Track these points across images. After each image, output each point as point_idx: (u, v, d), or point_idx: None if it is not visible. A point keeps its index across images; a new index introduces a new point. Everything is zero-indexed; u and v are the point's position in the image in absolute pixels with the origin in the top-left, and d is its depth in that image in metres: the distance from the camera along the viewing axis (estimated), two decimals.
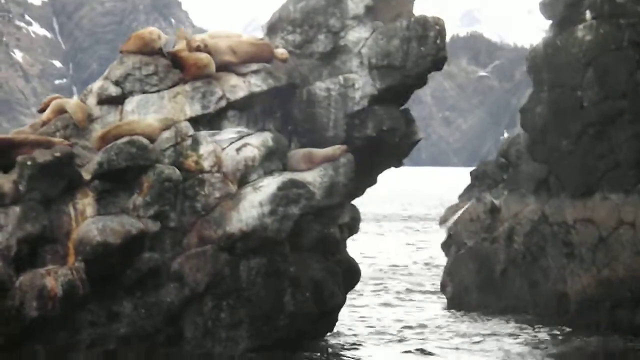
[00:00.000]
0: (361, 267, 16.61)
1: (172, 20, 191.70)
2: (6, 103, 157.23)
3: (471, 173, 20.75)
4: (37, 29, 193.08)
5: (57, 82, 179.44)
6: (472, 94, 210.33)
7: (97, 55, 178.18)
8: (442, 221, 20.90)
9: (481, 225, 19.52)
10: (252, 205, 14.13)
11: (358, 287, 17.68)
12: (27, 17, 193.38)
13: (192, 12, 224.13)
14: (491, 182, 19.92)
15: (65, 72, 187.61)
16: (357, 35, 15.60)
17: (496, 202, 19.22)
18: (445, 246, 20.66)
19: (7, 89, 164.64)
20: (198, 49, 14.52)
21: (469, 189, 20.70)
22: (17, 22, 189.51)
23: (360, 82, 15.42)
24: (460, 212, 20.10)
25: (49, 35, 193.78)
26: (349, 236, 15.81)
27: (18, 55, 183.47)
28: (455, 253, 19.95)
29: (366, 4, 15.62)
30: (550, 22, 18.86)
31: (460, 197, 20.99)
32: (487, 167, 20.44)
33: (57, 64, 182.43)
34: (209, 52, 14.59)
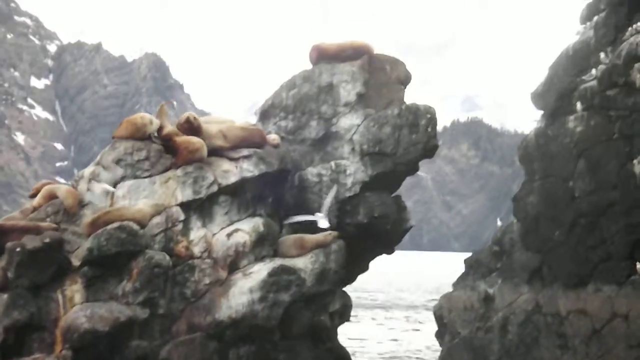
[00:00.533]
0: (352, 355, 16.37)
1: (174, 103, 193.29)
2: (7, 186, 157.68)
3: (465, 261, 20.67)
4: (39, 111, 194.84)
5: (58, 164, 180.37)
6: (473, 178, 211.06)
7: (98, 138, 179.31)
8: (437, 309, 20.70)
9: (475, 314, 19.38)
10: (242, 292, 13.98)
11: None
12: (29, 100, 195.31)
13: (194, 95, 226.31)
14: (485, 270, 19.83)
15: (67, 154, 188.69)
16: (349, 122, 15.68)
17: (490, 290, 19.10)
18: (439, 335, 20.45)
19: (9, 172, 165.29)
20: (188, 122, 14.53)
21: (463, 277, 20.58)
22: (20, 105, 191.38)
23: (352, 169, 15.45)
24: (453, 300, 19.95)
25: (51, 118, 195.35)
26: (340, 324, 15.58)
27: (20, 137, 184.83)
28: (449, 342, 19.75)
29: (358, 91, 15.74)
30: (542, 112, 19.02)
31: (455, 285, 20.84)
32: (481, 256, 20.37)
33: (59, 146, 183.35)
34: (198, 129, 14.58)
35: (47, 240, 13.38)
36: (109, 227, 13.63)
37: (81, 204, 14.24)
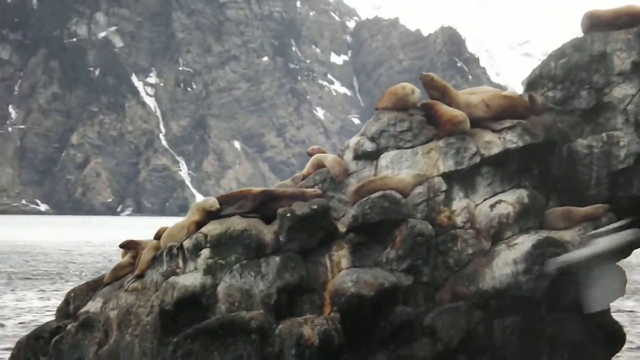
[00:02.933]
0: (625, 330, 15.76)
1: (469, 77, 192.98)
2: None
3: None
4: (338, 87, 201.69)
5: None
6: None
7: None
8: None
9: None
10: (506, 263, 13.89)
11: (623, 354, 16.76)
12: (329, 76, 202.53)
13: (489, 69, 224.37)
14: None
15: None
16: (623, 92, 15.00)
17: None
18: None
19: (309, 145, 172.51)
20: (424, 80, 14.73)
21: None
22: (320, 81, 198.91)
23: (626, 140, 14.80)
24: None
25: (348, 93, 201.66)
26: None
27: (320, 112, 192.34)
28: None
29: (633, 60, 15.00)
30: None
31: None
32: None
33: (356, 120, 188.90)
34: (445, 93, 14.67)
35: (315, 207, 13.98)
36: (373, 195, 14.01)
37: (347, 173, 14.77)
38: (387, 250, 14.04)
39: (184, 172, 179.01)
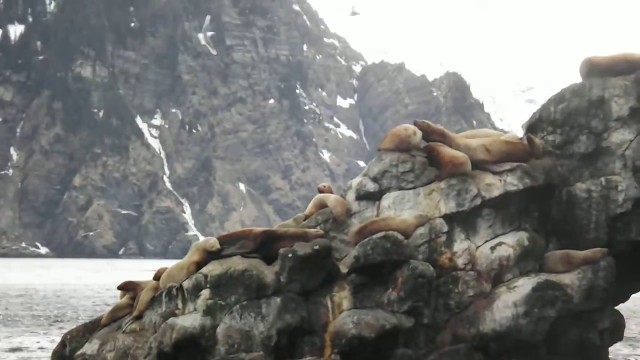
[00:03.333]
0: None
1: (474, 122, 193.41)
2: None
3: None
4: (344, 130, 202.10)
5: None
6: None
7: None
8: None
9: None
10: (507, 306, 13.96)
11: None
12: (335, 119, 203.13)
13: (493, 114, 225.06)
14: None
15: None
16: (621, 137, 15.19)
17: None
18: None
19: (315, 188, 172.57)
20: (421, 127, 14.88)
21: None
22: (326, 124, 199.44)
23: (624, 185, 14.95)
24: None
25: (354, 136, 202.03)
26: (611, 343, 15.12)
27: (326, 155, 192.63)
28: None
29: (631, 105, 15.20)
30: None
31: None
32: None
33: (361, 163, 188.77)
34: (443, 138, 14.81)
35: (316, 247, 14.09)
36: (375, 236, 14.11)
37: (349, 213, 14.87)
38: (389, 291, 14.10)
39: (187, 214, 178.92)
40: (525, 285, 14.12)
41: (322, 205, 15.11)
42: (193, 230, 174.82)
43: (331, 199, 14.97)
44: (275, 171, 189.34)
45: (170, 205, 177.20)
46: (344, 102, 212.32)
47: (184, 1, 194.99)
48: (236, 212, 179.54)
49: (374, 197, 14.95)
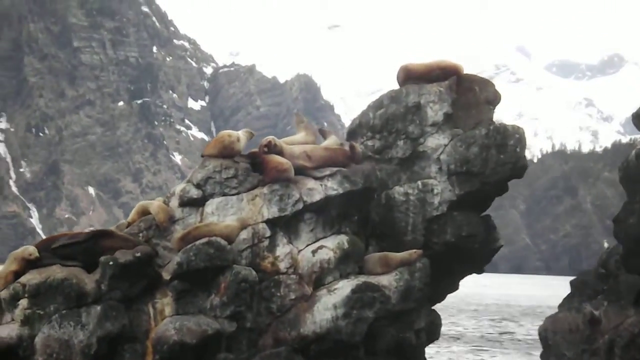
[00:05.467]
0: None
1: (325, 124, 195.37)
2: None
3: (571, 283, 20.25)
4: (195, 132, 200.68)
5: None
6: None
7: None
8: (541, 330, 20.37)
9: (581, 336, 18.95)
10: (327, 308, 14.26)
11: None
12: (186, 121, 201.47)
13: (344, 116, 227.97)
14: (591, 292, 19.37)
15: None
16: (436, 141, 15.78)
17: (596, 313, 18.66)
18: (545, 356, 20.11)
19: (166, 190, 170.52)
20: (268, 146, 14.97)
21: (569, 299, 20.18)
22: (177, 126, 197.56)
23: (439, 188, 15.53)
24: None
25: (206, 138, 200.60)
26: (428, 342, 15.66)
27: (177, 157, 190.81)
28: None
29: (445, 111, 15.81)
30: None
31: (560, 306, 20.47)
32: (586, 277, 19.92)
33: None
34: (280, 153, 14.99)
35: (138, 254, 14.03)
36: (198, 242, 14.17)
37: (172, 220, 14.87)
38: (212, 297, 14.18)
39: (35, 219, 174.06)
40: (344, 287, 14.45)
41: (144, 213, 15.02)
42: (41, 235, 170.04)
43: (154, 205, 14.91)
44: (125, 174, 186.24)
45: (17, 210, 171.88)
46: (195, 104, 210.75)
47: (29, 2, 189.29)
48: (85, 216, 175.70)
49: (197, 204, 14.97)
